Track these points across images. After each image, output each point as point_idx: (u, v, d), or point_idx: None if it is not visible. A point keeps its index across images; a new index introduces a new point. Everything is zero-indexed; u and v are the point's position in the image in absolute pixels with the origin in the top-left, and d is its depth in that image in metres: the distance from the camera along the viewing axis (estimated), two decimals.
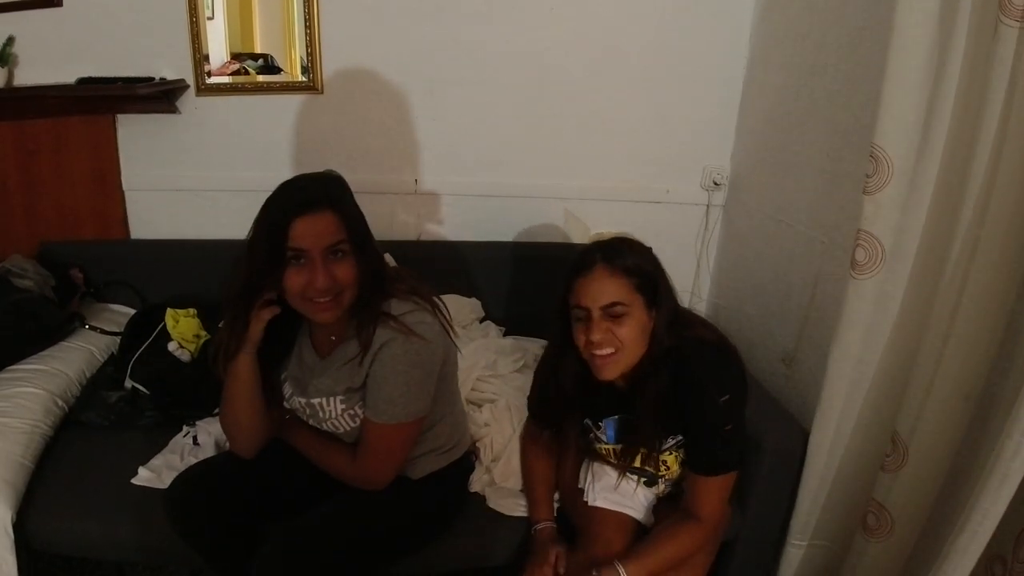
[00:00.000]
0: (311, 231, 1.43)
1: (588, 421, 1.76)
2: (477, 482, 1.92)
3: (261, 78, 2.62)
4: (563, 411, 1.76)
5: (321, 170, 1.57)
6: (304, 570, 1.49)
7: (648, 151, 2.64)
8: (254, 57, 2.61)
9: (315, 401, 1.65)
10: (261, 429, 1.69)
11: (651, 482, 1.73)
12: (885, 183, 1.55)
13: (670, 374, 1.57)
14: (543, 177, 2.66)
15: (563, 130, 2.63)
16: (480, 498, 1.89)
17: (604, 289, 1.53)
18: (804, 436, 1.83)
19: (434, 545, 1.76)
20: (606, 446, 1.75)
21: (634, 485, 1.72)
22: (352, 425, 1.65)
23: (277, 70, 2.62)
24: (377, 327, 1.52)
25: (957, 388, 1.52)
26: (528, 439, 1.89)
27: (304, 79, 2.59)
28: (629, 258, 1.57)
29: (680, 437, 1.65)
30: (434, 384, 1.62)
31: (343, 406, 1.62)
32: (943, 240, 1.52)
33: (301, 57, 2.59)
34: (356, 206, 1.53)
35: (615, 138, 2.63)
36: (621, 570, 1.55)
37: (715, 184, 2.63)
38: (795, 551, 1.93)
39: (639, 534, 1.69)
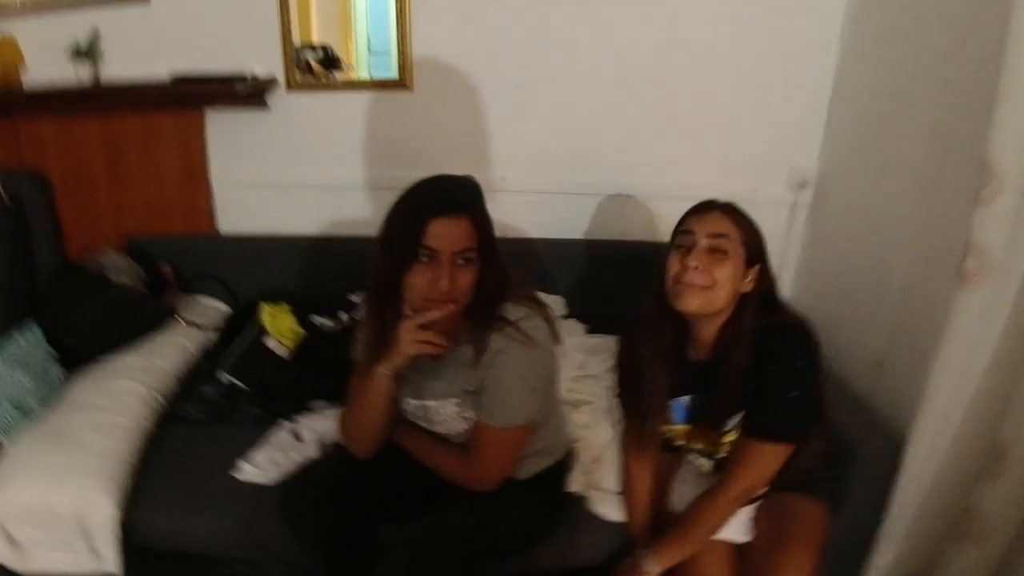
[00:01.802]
0: (446, 233, 1.45)
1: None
2: (575, 483, 1.92)
3: (333, 74, 2.65)
4: (650, 382, 1.74)
5: (460, 174, 1.59)
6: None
7: (735, 149, 2.62)
8: (313, 49, 2.62)
9: (429, 404, 1.68)
10: (384, 435, 1.72)
11: (717, 465, 1.73)
12: (998, 194, 1.52)
13: (753, 352, 1.58)
14: (629, 175, 2.65)
15: (652, 128, 2.62)
16: (577, 498, 1.91)
17: (716, 222, 1.61)
18: (900, 442, 1.80)
19: (539, 545, 1.78)
20: (674, 427, 1.76)
21: None
22: (464, 428, 1.67)
23: (337, 61, 2.65)
24: (493, 332, 1.55)
25: None
26: (633, 458, 1.85)
27: (372, 74, 2.64)
28: (744, 216, 1.65)
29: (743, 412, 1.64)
30: (545, 389, 1.65)
31: (457, 409, 1.65)
32: None
33: (366, 46, 2.63)
34: (488, 215, 1.56)
35: (702, 136, 2.62)
36: (649, 559, 1.62)
37: (802, 184, 2.60)
38: (885, 557, 1.91)
39: (739, 555, 1.70)
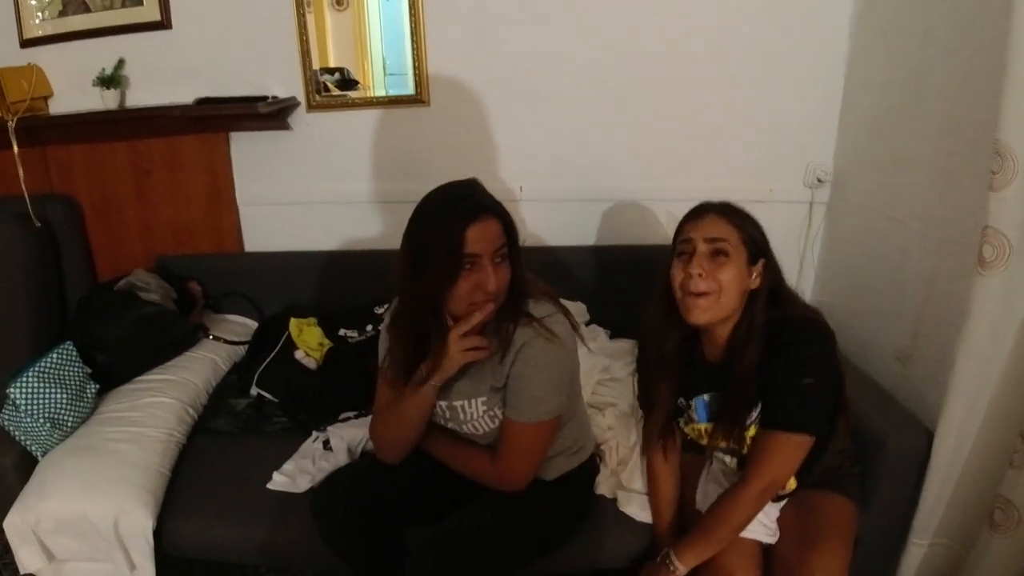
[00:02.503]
0: (483, 237, 1.49)
1: (682, 400, 1.78)
2: (604, 485, 1.94)
3: (349, 94, 2.70)
4: (662, 385, 1.78)
5: (464, 178, 1.62)
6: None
7: (750, 150, 2.64)
8: (330, 71, 2.68)
9: (457, 404, 1.69)
10: (417, 442, 1.74)
11: (742, 462, 1.73)
12: (1011, 179, 1.53)
13: (764, 345, 1.59)
14: (646, 180, 2.68)
15: (664, 132, 2.64)
16: (606, 500, 1.92)
17: (713, 226, 1.62)
18: (928, 435, 1.81)
19: (565, 544, 1.79)
20: (697, 426, 1.77)
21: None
22: (491, 427, 1.69)
23: (354, 83, 2.70)
24: (517, 327, 1.58)
25: None
26: (654, 458, 1.86)
27: (388, 93, 2.68)
28: (740, 214, 1.66)
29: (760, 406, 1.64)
30: (569, 384, 1.67)
31: (484, 408, 1.67)
32: None
33: (381, 67, 2.68)
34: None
35: (716, 138, 2.64)
36: (674, 558, 1.61)
37: (819, 181, 2.61)
38: (917, 550, 1.91)
39: (768, 555, 1.69)
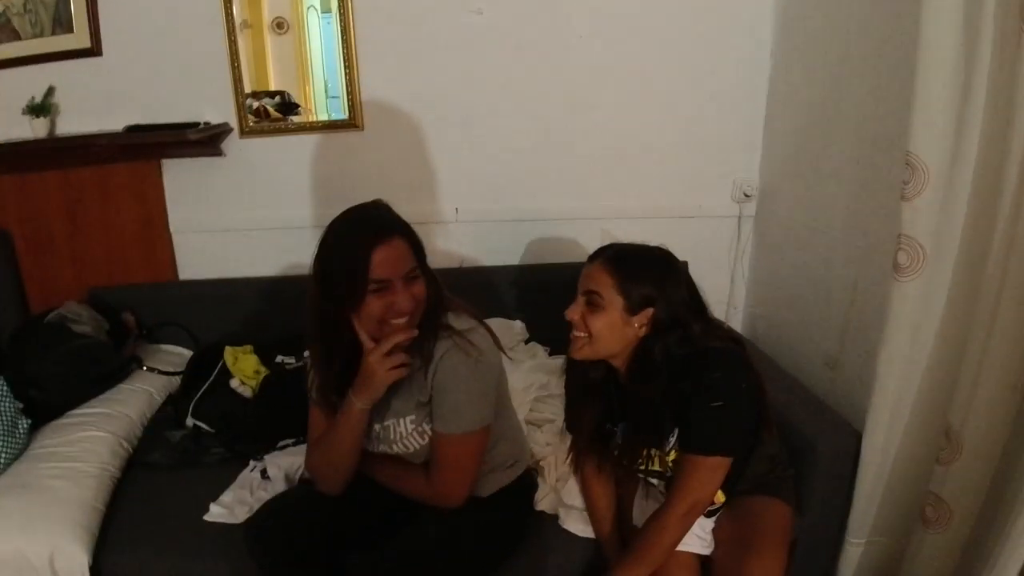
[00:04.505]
0: (391, 260, 1.49)
1: (608, 425, 1.79)
2: (545, 501, 1.95)
3: (292, 118, 2.70)
4: (586, 410, 1.80)
5: (368, 201, 1.63)
6: None
7: (678, 168, 2.70)
8: (270, 95, 2.68)
9: (388, 423, 1.69)
10: (356, 468, 1.71)
11: (669, 484, 1.72)
12: (922, 188, 1.59)
13: (673, 378, 1.60)
14: (579, 199, 2.72)
15: (596, 153, 2.69)
16: (547, 517, 1.92)
17: (592, 277, 1.63)
18: (856, 437, 1.86)
19: (508, 563, 1.78)
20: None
21: None
22: (421, 443, 1.68)
23: (294, 106, 2.70)
24: (437, 339, 1.59)
25: (1004, 379, 1.55)
26: (586, 478, 1.88)
27: (331, 117, 2.69)
28: (631, 264, 1.63)
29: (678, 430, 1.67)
30: (494, 394, 1.68)
31: (412, 426, 1.67)
32: (981, 239, 1.56)
33: (323, 90, 2.69)
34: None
35: (646, 157, 2.69)
36: None
37: (745, 196, 2.68)
38: (853, 549, 1.95)
39: (704, 565, 1.71)
